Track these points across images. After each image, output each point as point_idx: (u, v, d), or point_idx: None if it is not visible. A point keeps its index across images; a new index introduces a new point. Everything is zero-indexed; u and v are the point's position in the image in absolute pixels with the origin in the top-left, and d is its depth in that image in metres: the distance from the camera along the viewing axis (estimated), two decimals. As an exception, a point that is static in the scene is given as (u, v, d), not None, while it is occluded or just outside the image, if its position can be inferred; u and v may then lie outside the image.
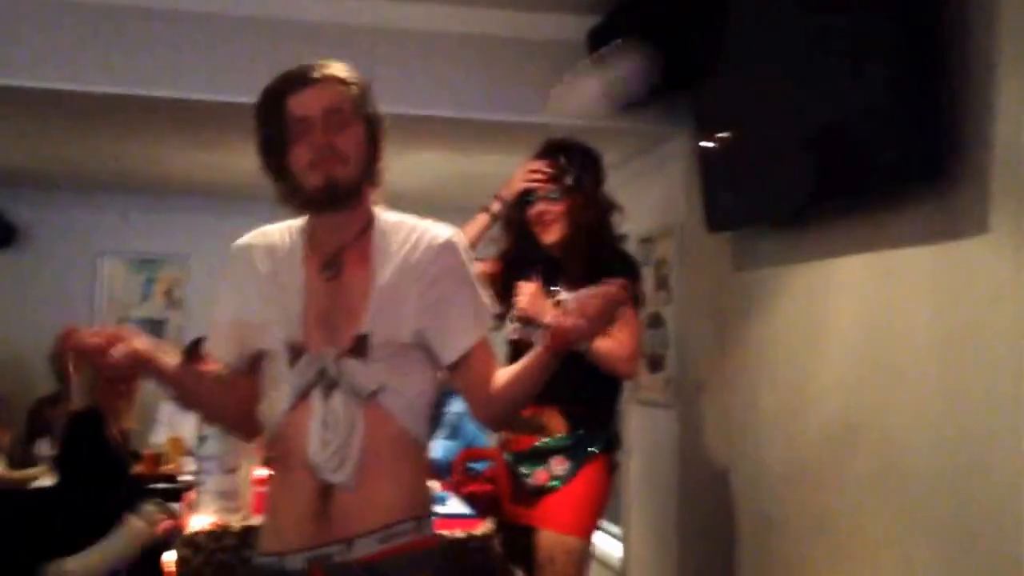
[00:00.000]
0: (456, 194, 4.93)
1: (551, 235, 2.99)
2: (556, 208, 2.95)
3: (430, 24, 3.67)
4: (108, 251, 6.36)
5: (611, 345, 2.77)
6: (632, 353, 2.89)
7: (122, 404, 4.11)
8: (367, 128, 1.82)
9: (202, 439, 2.61)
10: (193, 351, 5.38)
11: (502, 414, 1.92)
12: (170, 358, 1.81)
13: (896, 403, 2.51)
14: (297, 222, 1.92)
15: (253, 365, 1.87)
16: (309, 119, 1.78)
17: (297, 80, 1.80)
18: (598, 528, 3.14)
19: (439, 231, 1.86)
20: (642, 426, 4.34)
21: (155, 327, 6.38)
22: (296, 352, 1.79)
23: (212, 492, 2.43)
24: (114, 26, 3.51)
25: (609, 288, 1.74)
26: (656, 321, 4.14)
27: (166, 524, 3.40)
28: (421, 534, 1.79)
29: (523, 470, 2.95)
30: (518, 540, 2.97)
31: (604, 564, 4.57)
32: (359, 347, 1.77)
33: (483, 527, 2.79)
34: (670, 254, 4.05)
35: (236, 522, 2.37)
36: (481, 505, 3.12)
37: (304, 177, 1.79)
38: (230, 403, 1.90)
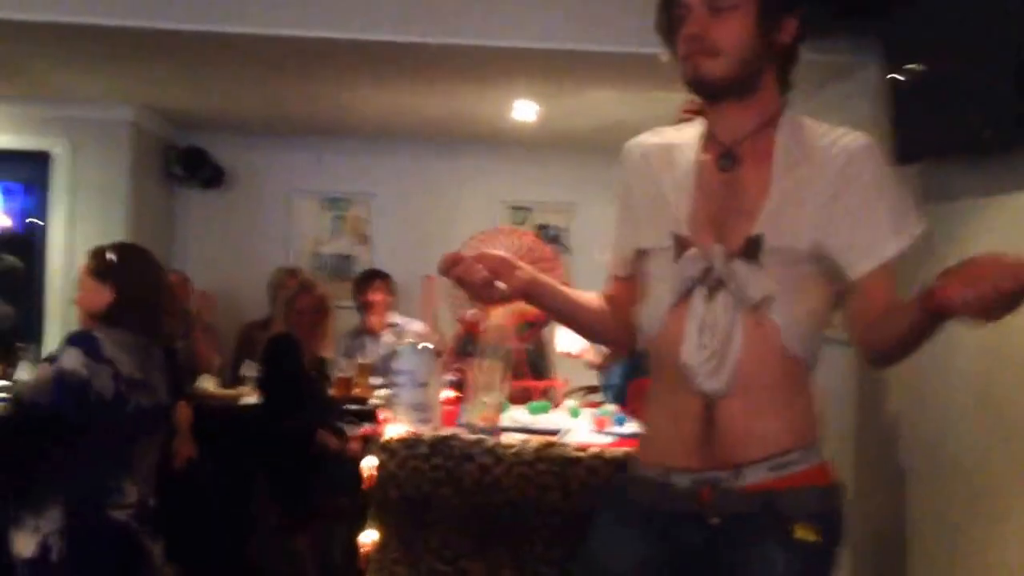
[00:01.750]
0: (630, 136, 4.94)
1: None
2: None
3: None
4: (300, 190, 6.70)
5: None
6: None
7: (317, 332, 4.39)
8: (760, 14, 1.64)
9: (397, 354, 2.78)
10: (366, 281, 5.70)
11: (873, 351, 1.73)
12: (550, 283, 1.80)
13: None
14: (697, 121, 1.80)
15: (636, 270, 1.79)
16: (688, 4, 1.65)
17: None
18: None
19: (854, 136, 1.70)
20: (822, 364, 4.30)
21: (344, 262, 6.73)
22: (682, 247, 1.68)
23: (406, 404, 2.59)
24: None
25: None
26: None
27: (363, 430, 3.63)
28: (810, 464, 1.67)
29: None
30: None
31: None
32: (750, 249, 1.63)
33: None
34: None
35: (428, 432, 2.53)
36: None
37: (680, 69, 1.68)
38: (608, 322, 1.86)
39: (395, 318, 5.65)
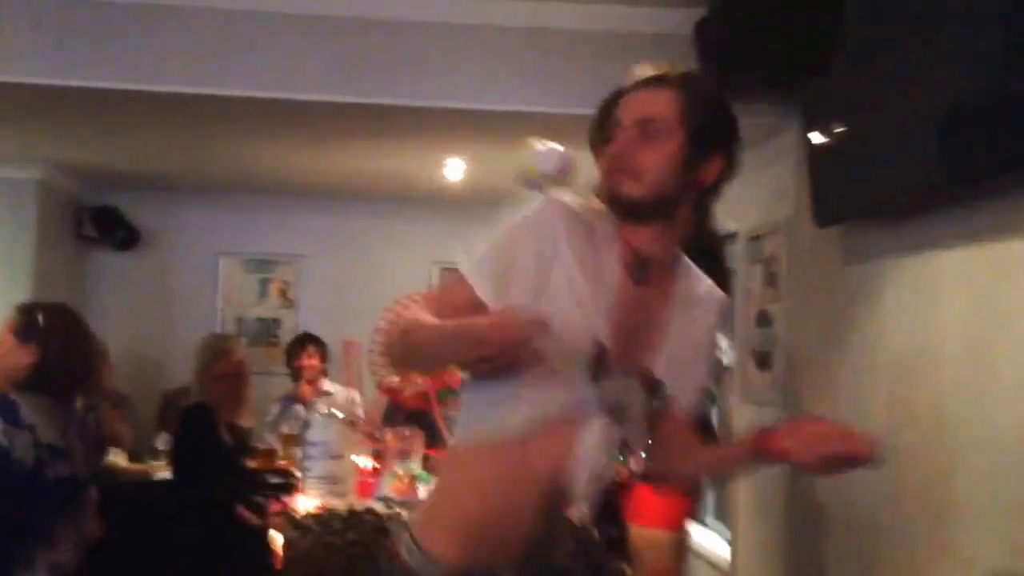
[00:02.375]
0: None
1: None
2: None
3: (538, 21, 3.71)
4: (225, 251, 6.58)
5: None
6: None
7: (234, 400, 4.23)
8: (687, 148, 1.64)
9: (308, 425, 2.69)
10: (298, 346, 5.58)
11: (673, 476, 1.89)
12: None
13: (1003, 401, 2.43)
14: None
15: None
16: (621, 123, 1.67)
17: (638, 81, 1.70)
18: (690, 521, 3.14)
19: (718, 291, 1.80)
20: (750, 425, 4.28)
21: (270, 326, 6.58)
22: (601, 362, 1.63)
23: (318, 476, 2.50)
24: (229, 30, 3.64)
25: (848, 435, 1.56)
26: (764, 319, 4.08)
27: (276, 506, 3.49)
28: None
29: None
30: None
31: (715, 567, 4.54)
32: (653, 392, 1.68)
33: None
34: (779, 251, 3.99)
35: (342, 505, 2.43)
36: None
37: (601, 185, 1.69)
38: None
39: (327, 385, 5.51)
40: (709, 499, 4.91)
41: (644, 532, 2.85)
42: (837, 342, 3.43)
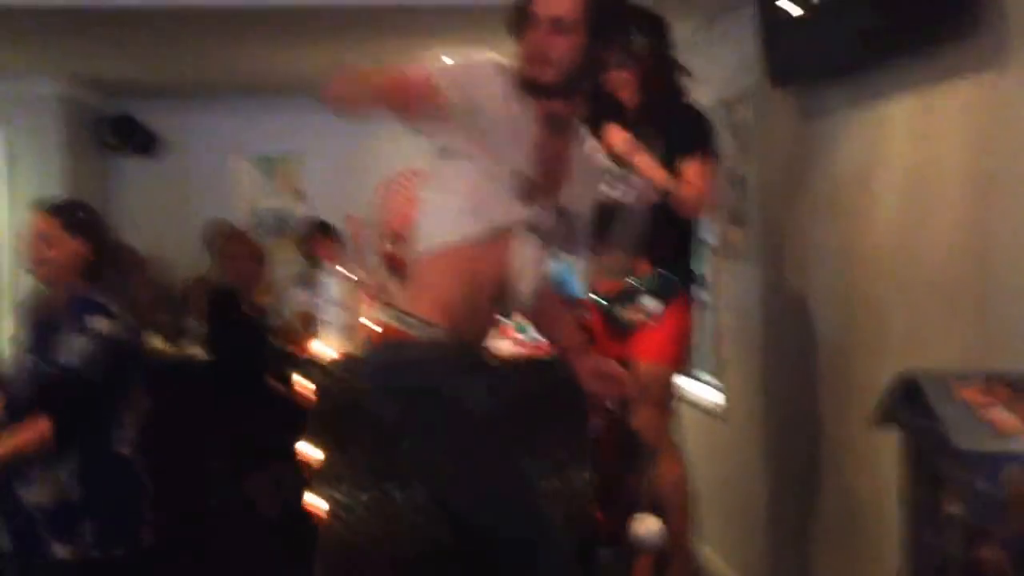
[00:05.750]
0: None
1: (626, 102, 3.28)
2: (626, 75, 3.22)
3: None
4: (236, 151, 6.88)
5: (685, 188, 3.13)
6: (699, 198, 3.22)
7: (254, 280, 4.55)
8: (589, 39, 2.12)
9: (321, 283, 3.04)
10: (314, 234, 5.88)
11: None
12: None
13: (932, 237, 2.75)
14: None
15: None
16: (537, 19, 2.10)
17: None
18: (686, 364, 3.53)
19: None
20: (730, 281, 4.62)
21: (282, 218, 6.94)
22: (527, 188, 2.15)
23: (334, 327, 2.85)
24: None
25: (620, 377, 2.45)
26: (738, 180, 4.38)
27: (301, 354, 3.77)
28: None
29: (618, 309, 3.33)
30: None
31: (708, 412, 4.91)
32: (560, 214, 2.23)
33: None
34: (747, 115, 4.26)
35: (357, 350, 2.79)
36: None
37: (521, 65, 2.13)
38: None
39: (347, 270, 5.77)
40: (704, 355, 5.28)
41: (650, 367, 3.23)
42: (800, 195, 3.74)
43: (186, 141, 6.79)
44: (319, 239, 5.83)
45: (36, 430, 2.72)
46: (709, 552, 4.72)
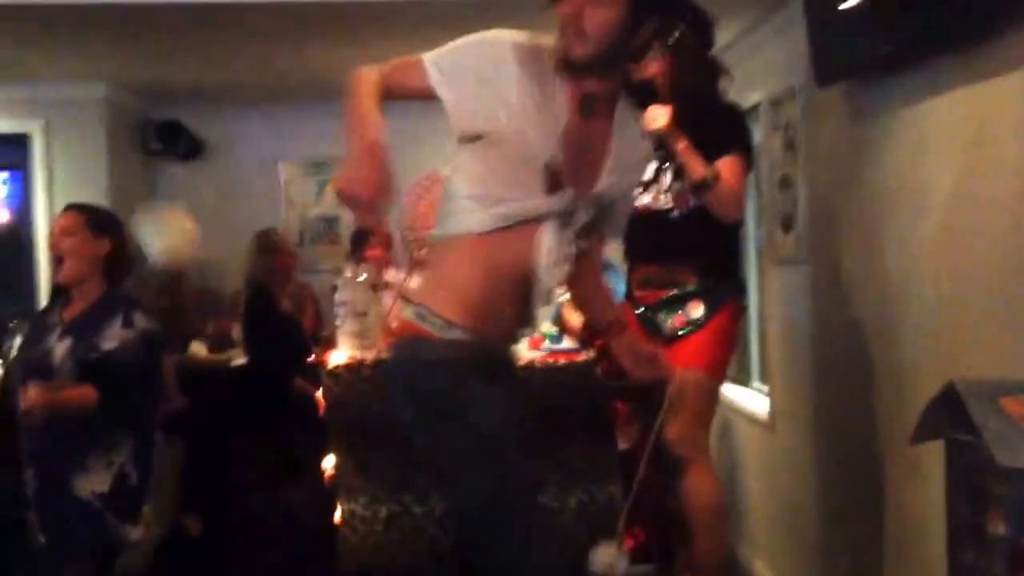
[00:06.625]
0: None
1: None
2: (655, 66, 3.08)
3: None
4: (283, 157, 6.87)
5: (720, 189, 3.00)
6: (735, 196, 3.08)
7: (284, 280, 4.59)
8: (629, 13, 1.93)
9: (336, 288, 2.99)
10: (362, 237, 5.85)
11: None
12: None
13: (985, 241, 2.60)
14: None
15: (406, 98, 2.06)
16: None
17: None
18: (725, 374, 3.39)
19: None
20: (778, 285, 4.49)
21: (331, 224, 6.91)
22: (554, 176, 1.96)
23: (347, 332, 2.79)
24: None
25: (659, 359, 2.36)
26: (786, 182, 4.25)
27: (309, 359, 3.82)
28: None
29: (661, 316, 3.19)
30: (651, 390, 3.21)
31: (753, 420, 4.78)
32: (595, 201, 2.05)
33: (584, 356, 3.07)
34: (795, 115, 4.13)
35: (369, 356, 2.73)
36: (612, 356, 3.39)
37: (556, 39, 1.98)
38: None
39: (391, 275, 5.71)
40: (753, 362, 5.15)
41: (689, 373, 3.08)
42: (849, 196, 3.60)
43: (233, 146, 6.80)
44: (371, 244, 5.76)
45: (83, 392, 2.87)
46: (760, 566, 4.59)
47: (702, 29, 3.19)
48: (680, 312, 3.19)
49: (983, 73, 2.63)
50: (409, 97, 2.05)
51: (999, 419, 1.75)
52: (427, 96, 2.03)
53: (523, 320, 2.12)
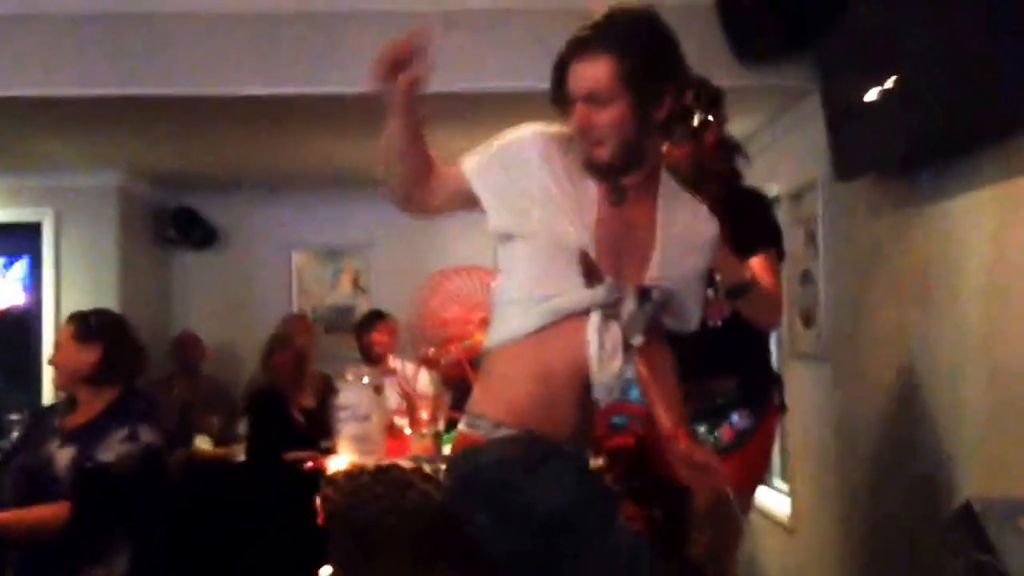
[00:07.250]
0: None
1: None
2: (680, 151, 2.84)
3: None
4: (297, 244, 6.84)
5: (758, 294, 2.74)
6: (774, 301, 2.84)
7: (298, 383, 4.45)
8: (635, 101, 1.87)
9: (338, 391, 2.88)
10: (367, 323, 5.73)
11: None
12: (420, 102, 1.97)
13: (1014, 341, 2.49)
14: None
15: (452, 202, 2.01)
16: (574, 95, 1.89)
17: (572, 47, 1.90)
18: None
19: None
20: (799, 381, 4.36)
21: (344, 313, 6.83)
22: (589, 267, 1.89)
23: (348, 437, 2.68)
24: (272, 31, 3.84)
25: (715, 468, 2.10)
26: (807, 277, 4.15)
27: (308, 465, 3.69)
28: None
29: (701, 430, 2.89)
30: (679, 498, 2.98)
31: (774, 521, 4.62)
32: (643, 296, 1.94)
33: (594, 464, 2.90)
34: (816, 209, 4.05)
35: (371, 463, 2.60)
36: (623, 459, 3.21)
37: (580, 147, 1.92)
38: (424, 176, 2.02)
39: (393, 362, 5.60)
40: (774, 461, 4.98)
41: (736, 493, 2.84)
42: (871, 291, 3.50)
43: (246, 234, 6.76)
44: (376, 328, 5.62)
45: (48, 512, 2.78)
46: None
47: (716, 103, 2.98)
48: (725, 424, 2.96)
49: (1007, 172, 2.55)
50: (449, 195, 2.02)
51: (1017, 538, 1.68)
52: (465, 196, 2.00)
53: (585, 417, 1.99)
